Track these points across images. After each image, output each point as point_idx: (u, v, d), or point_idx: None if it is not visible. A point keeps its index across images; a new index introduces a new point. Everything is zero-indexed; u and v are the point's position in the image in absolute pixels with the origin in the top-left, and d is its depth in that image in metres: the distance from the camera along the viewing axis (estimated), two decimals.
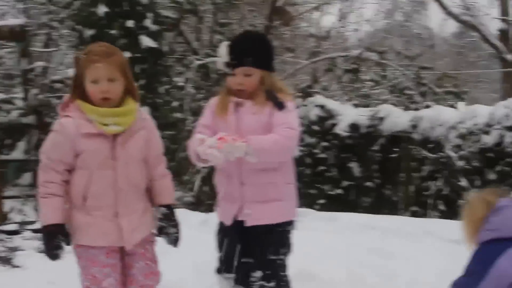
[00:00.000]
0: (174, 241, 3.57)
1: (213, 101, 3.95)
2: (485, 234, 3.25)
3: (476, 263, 3.21)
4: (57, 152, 3.37)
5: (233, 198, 3.81)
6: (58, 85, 12.52)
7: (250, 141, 3.55)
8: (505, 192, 3.45)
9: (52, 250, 3.32)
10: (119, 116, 3.37)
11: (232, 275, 3.98)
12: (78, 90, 3.38)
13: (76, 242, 3.44)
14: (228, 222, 3.86)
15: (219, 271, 4.05)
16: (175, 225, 3.57)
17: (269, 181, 3.77)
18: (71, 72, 12.31)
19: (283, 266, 3.89)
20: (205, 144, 3.54)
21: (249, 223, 3.79)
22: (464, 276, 3.26)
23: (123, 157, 3.40)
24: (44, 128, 13.10)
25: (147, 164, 3.55)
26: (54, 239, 3.31)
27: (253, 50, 3.78)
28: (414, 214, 9.92)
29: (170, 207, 3.59)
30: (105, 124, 3.35)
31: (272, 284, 3.82)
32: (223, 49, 3.77)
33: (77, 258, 3.49)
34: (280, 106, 3.73)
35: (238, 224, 3.84)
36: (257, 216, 3.78)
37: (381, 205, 10.78)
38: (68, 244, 3.38)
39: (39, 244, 6.46)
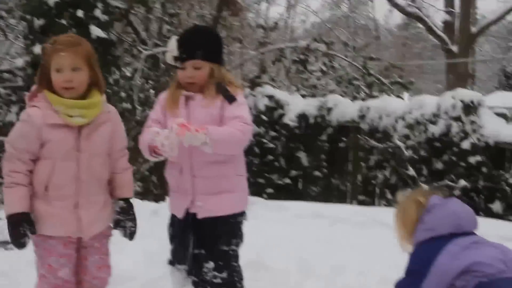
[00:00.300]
0: (130, 234, 3.61)
1: (163, 95, 3.97)
2: (421, 234, 3.32)
3: (416, 263, 3.27)
4: (23, 141, 3.38)
5: (185, 190, 3.82)
6: (6, 75, 12.37)
7: (209, 132, 3.55)
8: (434, 191, 3.54)
9: (18, 239, 3.34)
10: (85, 108, 3.40)
11: (185, 267, 3.99)
12: (45, 81, 3.40)
13: (38, 231, 3.45)
14: (180, 215, 3.88)
15: (172, 262, 4.06)
16: (132, 219, 3.60)
17: (220, 173, 3.79)
18: (19, 62, 12.21)
19: (235, 257, 3.93)
20: (161, 135, 3.55)
21: (200, 215, 3.81)
22: (406, 277, 3.31)
23: (87, 149, 3.42)
24: None
25: (110, 157, 3.57)
26: (19, 227, 3.32)
27: (202, 44, 3.81)
28: (362, 203, 10.04)
29: (128, 201, 3.62)
30: (70, 116, 3.37)
31: (224, 274, 3.85)
32: (173, 43, 3.79)
33: (34, 247, 3.52)
34: (230, 99, 3.77)
35: (190, 216, 3.85)
36: (208, 208, 3.80)
37: (329, 194, 10.90)
38: (33, 232, 3.38)
39: None
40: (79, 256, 3.59)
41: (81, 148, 3.41)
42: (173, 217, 3.99)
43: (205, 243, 3.89)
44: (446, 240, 3.23)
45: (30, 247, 5.58)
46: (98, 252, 3.61)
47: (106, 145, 3.52)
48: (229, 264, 3.88)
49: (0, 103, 12.60)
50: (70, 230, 3.46)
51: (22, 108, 11.61)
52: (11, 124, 11.84)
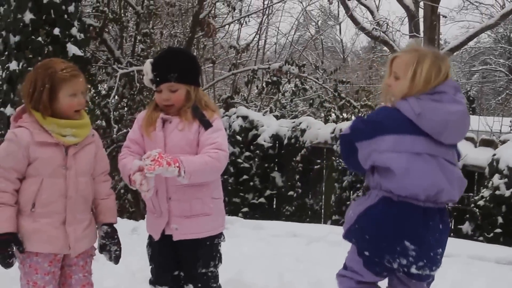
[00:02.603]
0: (115, 258, 3.73)
1: (142, 115, 3.98)
2: (408, 109, 3.35)
3: (385, 118, 3.44)
4: (10, 160, 3.46)
5: (160, 212, 3.83)
6: None
7: (182, 164, 3.52)
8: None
9: (5, 259, 3.41)
10: (78, 128, 3.52)
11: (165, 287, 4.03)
12: (42, 104, 3.48)
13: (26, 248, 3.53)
14: (157, 236, 3.89)
15: (153, 282, 4.07)
16: (117, 243, 3.72)
17: (195, 197, 3.79)
18: None
19: (214, 278, 3.96)
20: (138, 179, 3.52)
21: (175, 237, 3.83)
22: (363, 121, 3.58)
23: (73, 167, 3.53)
24: None
25: (94, 180, 3.70)
26: (7, 248, 3.40)
27: (177, 66, 3.81)
28: (336, 223, 10.10)
29: (112, 226, 3.73)
30: (63, 135, 3.48)
31: None
32: (147, 66, 3.81)
33: (20, 263, 3.59)
34: (206, 125, 3.78)
35: (167, 238, 3.87)
36: (184, 230, 3.82)
37: (304, 213, 11.03)
38: (22, 251, 3.46)
39: None
40: (63, 273, 3.69)
41: (68, 165, 3.52)
42: (151, 237, 4.01)
43: (184, 266, 3.94)
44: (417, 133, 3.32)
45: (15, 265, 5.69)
46: (82, 270, 3.71)
47: (90, 165, 3.66)
48: (208, 285, 3.93)
49: None
50: (58, 246, 3.55)
51: None
52: None
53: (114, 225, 3.77)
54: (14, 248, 3.43)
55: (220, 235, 3.99)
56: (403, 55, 3.39)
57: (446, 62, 3.39)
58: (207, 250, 3.91)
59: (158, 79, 3.77)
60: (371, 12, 22.64)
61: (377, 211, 3.40)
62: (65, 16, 9.86)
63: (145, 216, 4.10)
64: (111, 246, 3.68)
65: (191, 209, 3.80)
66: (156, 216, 3.87)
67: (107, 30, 13.43)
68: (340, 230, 7.97)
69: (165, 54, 4.00)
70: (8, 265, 3.44)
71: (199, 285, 3.90)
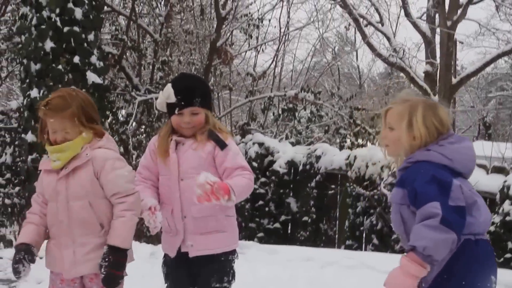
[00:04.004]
0: (103, 280, 3.58)
1: (153, 140, 4.12)
2: (433, 156, 3.24)
3: (443, 177, 3.18)
4: (38, 185, 3.76)
5: (176, 230, 3.96)
6: (0, 117, 12.58)
7: (234, 191, 3.68)
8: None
9: (14, 264, 3.59)
10: (59, 151, 3.62)
11: None
12: (42, 133, 3.70)
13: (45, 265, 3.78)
14: (173, 254, 4.01)
15: None
16: (107, 265, 3.55)
17: (209, 214, 3.88)
18: (14, 104, 12.44)
19: None
20: (146, 217, 3.77)
21: (192, 254, 3.94)
22: (432, 184, 3.16)
23: (63, 192, 3.63)
24: None
25: (110, 202, 3.69)
26: (17, 255, 3.59)
27: (200, 91, 3.97)
28: (349, 248, 10.17)
29: (111, 247, 3.59)
30: (53, 161, 3.65)
31: None
32: (169, 90, 3.93)
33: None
34: (222, 145, 3.92)
35: (182, 255, 3.98)
36: (199, 247, 3.93)
37: (318, 239, 11.12)
38: (31, 261, 3.60)
39: None
40: None
41: (57, 189, 3.64)
42: (166, 256, 4.13)
43: (198, 281, 4.03)
44: (455, 175, 3.24)
45: (33, 286, 5.87)
46: None
47: (88, 189, 3.63)
48: None
49: None
50: (58, 267, 3.70)
51: (15, 150, 11.90)
52: (4, 166, 12.05)
53: (118, 248, 3.59)
54: (24, 256, 3.58)
55: (233, 252, 4.07)
56: (396, 106, 3.42)
57: (441, 107, 3.43)
58: (222, 265, 3.99)
59: (182, 103, 3.91)
60: (388, 39, 22.79)
61: (466, 256, 3.25)
62: (85, 44, 10.09)
63: (162, 237, 4.18)
64: (102, 267, 3.56)
65: (206, 226, 3.91)
66: (171, 235, 3.99)
67: (125, 57, 13.67)
68: (353, 254, 8.11)
69: (185, 79, 4.19)
70: (15, 270, 3.59)
71: None
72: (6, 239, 12.00)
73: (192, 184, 3.68)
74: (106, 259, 3.55)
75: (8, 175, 12.12)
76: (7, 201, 11.55)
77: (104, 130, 3.84)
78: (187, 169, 3.89)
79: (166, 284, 4.17)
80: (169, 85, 3.98)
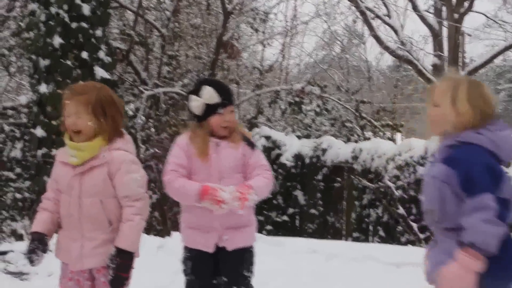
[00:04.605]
0: (111, 282, 3.68)
1: (183, 140, 4.23)
2: (481, 139, 3.24)
3: (494, 169, 3.18)
4: (53, 173, 3.86)
5: (210, 227, 4.12)
6: (10, 112, 12.66)
7: (256, 191, 4.00)
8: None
9: (27, 253, 3.69)
10: (78, 150, 3.70)
11: None
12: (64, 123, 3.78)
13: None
14: (210, 249, 4.15)
15: None
16: (115, 268, 3.64)
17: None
18: (23, 99, 12.53)
19: (251, 284, 4.25)
20: (227, 197, 3.93)
21: (230, 247, 4.13)
22: (486, 175, 3.15)
23: (77, 187, 3.71)
24: None
25: (120, 203, 3.77)
26: (31, 244, 3.69)
27: (231, 91, 4.27)
28: (356, 240, 10.30)
29: (119, 250, 3.67)
30: (71, 155, 3.73)
31: None
32: (211, 91, 4.11)
33: None
34: (252, 145, 4.22)
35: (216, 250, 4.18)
36: (235, 241, 4.14)
37: (325, 231, 11.22)
38: (44, 251, 3.70)
39: (4, 265, 6.76)
40: (94, 286, 3.84)
41: (71, 185, 3.72)
42: (191, 251, 4.25)
43: (230, 271, 4.21)
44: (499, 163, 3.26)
45: (43, 280, 5.97)
46: (104, 287, 3.79)
47: (101, 188, 3.71)
48: (250, 286, 4.24)
49: (4, 139, 12.90)
50: (66, 258, 3.80)
51: (25, 145, 12.00)
52: (15, 160, 12.15)
53: (125, 251, 3.68)
54: (38, 246, 3.68)
55: (254, 245, 4.34)
56: (440, 83, 3.46)
57: (486, 86, 3.45)
58: (250, 255, 4.25)
59: (226, 101, 4.13)
60: (395, 31, 22.74)
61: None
62: (93, 40, 10.16)
63: (183, 233, 4.31)
64: (109, 269, 3.67)
65: (238, 222, 4.13)
66: (202, 231, 4.17)
67: (133, 52, 13.75)
68: (358, 246, 8.18)
69: (216, 81, 4.47)
70: (29, 259, 3.69)
71: (242, 286, 4.20)
72: (18, 233, 12.14)
73: (229, 182, 4.02)
74: (114, 261, 3.66)
75: (18, 170, 12.24)
76: (17, 195, 11.62)
77: (124, 131, 3.89)
78: (226, 168, 4.12)
79: (187, 278, 4.28)
80: (208, 87, 4.14)
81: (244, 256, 4.22)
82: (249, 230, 4.25)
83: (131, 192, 3.72)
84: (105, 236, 3.73)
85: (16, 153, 12.22)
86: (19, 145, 12.27)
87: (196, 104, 4.14)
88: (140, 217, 3.73)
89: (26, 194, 11.58)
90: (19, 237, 11.64)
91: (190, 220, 4.19)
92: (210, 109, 4.13)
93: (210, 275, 4.25)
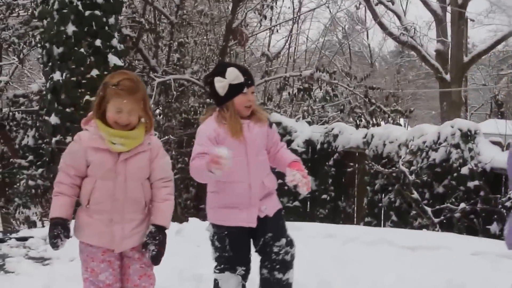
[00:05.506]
0: (152, 258, 3.87)
1: (210, 125, 4.33)
2: None
3: None
4: (70, 158, 3.86)
5: (249, 204, 4.29)
6: (22, 100, 12.75)
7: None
8: None
9: (51, 239, 3.75)
10: (126, 138, 3.81)
11: (244, 268, 4.43)
12: (100, 111, 3.84)
13: (79, 238, 3.91)
14: (254, 224, 4.32)
15: (226, 269, 4.43)
16: (157, 243, 3.85)
17: (264, 177, 4.35)
18: (34, 87, 12.61)
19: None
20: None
21: (270, 214, 4.35)
22: None
23: (123, 172, 3.82)
24: (7, 140, 13.29)
25: (152, 185, 3.95)
26: (54, 229, 3.75)
27: (251, 73, 4.41)
28: (368, 224, 10.40)
29: (158, 227, 3.88)
30: (113, 143, 3.80)
31: (293, 250, 4.45)
32: (235, 72, 4.22)
33: (80, 252, 3.95)
34: (270, 123, 4.44)
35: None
36: (271, 207, 4.38)
37: (336, 216, 11.32)
38: (67, 237, 3.78)
39: (25, 251, 6.83)
40: (123, 264, 3.99)
41: (117, 170, 3.82)
42: (230, 228, 4.36)
43: (273, 226, 4.40)
44: None
45: (65, 265, 6.05)
46: (139, 262, 3.97)
47: (143, 172, 3.90)
48: (292, 240, 4.47)
49: (16, 127, 13.01)
50: (104, 241, 3.87)
51: (38, 132, 12.09)
52: (27, 148, 12.26)
53: (164, 228, 3.92)
54: (61, 231, 3.75)
55: None
56: None
57: None
58: (282, 215, 4.52)
59: (249, 82, 4.27)
60: (398, 17, 22.77)
61: None
62: (106, 28, 10.24)
63: (216, 213, 4.41)
64: (151, 245, 3.84)
65: (267, 191, 4.37)
66: (240, 209, 4.30)
67: (142, 40, 13.82)
68: (373, 230, 8.25)
69: (235, 64, 4.51)
70: (53, 245, 3.75)
71: (289, 238, 4.45)
72: (30, 220, 12.26)
73: (261, 159, 4.33)
74: (156, 238, 3.84)
75: (30, 157, 12.35)
76: (30, 182, 11.72)
77: None
78: (259, 146, 4.33)
79: (225, 255, 4.40)
80: (232, 67, 4.26)
81: (281, 215, 4.47)
82: (275, 196, 4.49)
83: (167, 174, 3.98)
84: (142, 216, 3.91)
85: (28, 140, 12.34)
86: (31, 132, 12.39)
87: (221, 84, 4.24)
88: (173, 197, 3.98)
89: (39, 181, 11.69)
90: (33, 224, 11.77)
91: (225, 200, 4.31)
92: (234, 90, 4.24)
93: (249, 247, 4.43)
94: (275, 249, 4.36)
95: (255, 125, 4.31)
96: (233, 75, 4.21)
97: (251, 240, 4.43)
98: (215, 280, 4.46)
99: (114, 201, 3.83)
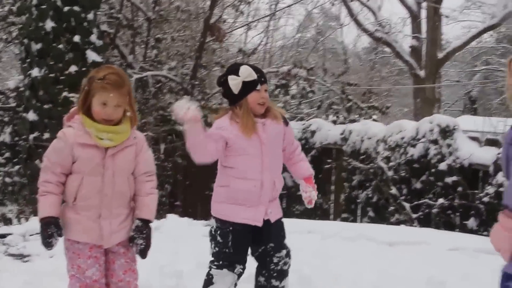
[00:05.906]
0: (140, 251, 3.96)
1: (223, 122, 4.35)
2: None
3: None
4: (56, 156, 3.85)
5: (258, 202, 4.32)
6: None
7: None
8: None
9: (46, 239, 3.75)
10: (114, 133, 3.82)
11: (242, 267, 4.46)
12: (86, 106, 3.84)
13: (66, 236, 3.90)
14: (260, 223, 4.34)
15: (223, 266, 4.43)
16: (144, 237, 3.94)
17: (276, 177, 4.41)
18: (11, 83, 12.51)
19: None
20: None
21: (272, 219, 4.39)
22: None
23: (111, 167, 3.85)
24: None
25: (136, 179, 3.99)
26: (47, 229, 3.75)
27: (263, 71, 4.47)
28: (344, 220, 10.46)
29: (144, 221, 3.96)
30: (100, 138, 3.81)
31: (290, 260, 4.53)
32: (248, 70, 4.27)
33: (65, 250, 3.96)
34: (286, 121, 4.48)
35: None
36: (275, 212, 4.44)
37: (312, 212, 11.34)
38: (60, 235, 3.80)
39: (5, 248, 6.81)
40: (108, 259, 4.01)
41: (106, 166, 3.84)
42: (234, 225, 4.37)
43: (276, 237, 4.47)
44: None
45: (45, 261, 6.03)
46: (124, 256, 4.01)
47: (129, 166, 3.93)
48: (290, 250, 4.55)
49: None
50: (93, 237, 3.89)
51: (14, 129, 11.99)
52: (3, 145, 12.16)
53: (148, 222, 3.98)
54: (55, 230, 3.76)
55: None
56: None
57: None
58: (284, 227, 4.58)
59: (262, 79, 4.31)
60: (373, 13, 22.92)
61: None
62: (85, 23, 10.22)
63: (222, 208, 4.42)
64: (138, 239, 3.91)
65: (275, 194, 4.45)
66: (248, 206, 4.32)
67: (119, 36, 13.76)
68: (352, 226, 8.31)
69: (247, 63, 4.56)
70: (48, 244, 3.75)
71: (288, 250, 4.52)
72: (6, 217, 12.16)
73: (278, 159, 4.41)
74: (143, 232, 3.92)
75: (7, 154, 12.26)
76: (7, 179, 11.65)
77: None
78: (275, 145, 4.38)
79: (231, 251, 4.40)
80: (245, 66, 4.32)
81: (282, 225, 4.55)
82: (278, 202, 4.55)
83: (150, 168, 4.05)
84: (127, 210, 3.97)
85: (5, 137, 12.24)
86: (8, 129, 12.29)
87: (235, 82, 4.26)
88: (156, 190, 4.05)
89: (16, 178, 11.61)
90: (9, 221, 11.68)
91: (234, 195, 4.33)
92: (247, 87, 4.26)
93: (248, 247, 4.46)
94: (275, 260, 4.44)
95: (271, 123, 4.34)
96: (246, 73, 4.26)
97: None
98: (210, 275, 4.45)
99: (102, 197, 3.86)
